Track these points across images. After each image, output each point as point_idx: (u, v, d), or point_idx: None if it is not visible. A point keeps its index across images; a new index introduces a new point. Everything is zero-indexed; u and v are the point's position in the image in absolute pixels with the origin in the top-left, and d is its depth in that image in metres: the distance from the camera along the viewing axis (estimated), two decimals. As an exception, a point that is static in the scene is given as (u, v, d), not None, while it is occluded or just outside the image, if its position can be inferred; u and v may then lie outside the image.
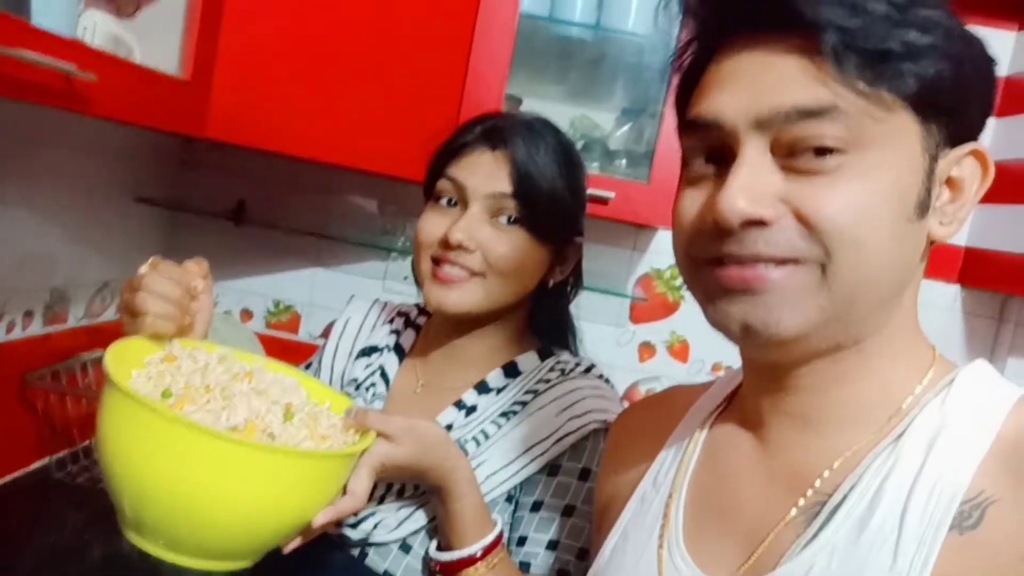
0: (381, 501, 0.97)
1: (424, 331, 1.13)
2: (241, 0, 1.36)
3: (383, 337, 1.14)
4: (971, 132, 0.60)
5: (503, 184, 0.97)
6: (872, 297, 0.57)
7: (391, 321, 1.16)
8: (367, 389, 1.08)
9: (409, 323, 1.15)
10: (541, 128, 1.02)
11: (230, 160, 1.88)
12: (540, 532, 0.93)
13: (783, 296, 0.56)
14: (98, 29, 1.17)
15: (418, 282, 1.02)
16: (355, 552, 0.95)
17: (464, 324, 1.03)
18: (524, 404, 0.99)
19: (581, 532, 0.92)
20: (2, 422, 1.45)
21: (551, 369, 1.03)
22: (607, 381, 1.04)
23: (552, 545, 0.93)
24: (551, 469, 0.94)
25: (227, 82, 1.36)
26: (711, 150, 0.61)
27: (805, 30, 0.55)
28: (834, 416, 0.61)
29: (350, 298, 1.23)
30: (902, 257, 0.57)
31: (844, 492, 0.58)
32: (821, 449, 0.61)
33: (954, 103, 0.57)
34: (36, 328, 1.50)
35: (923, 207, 0.57)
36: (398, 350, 1.12)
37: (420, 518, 0.94)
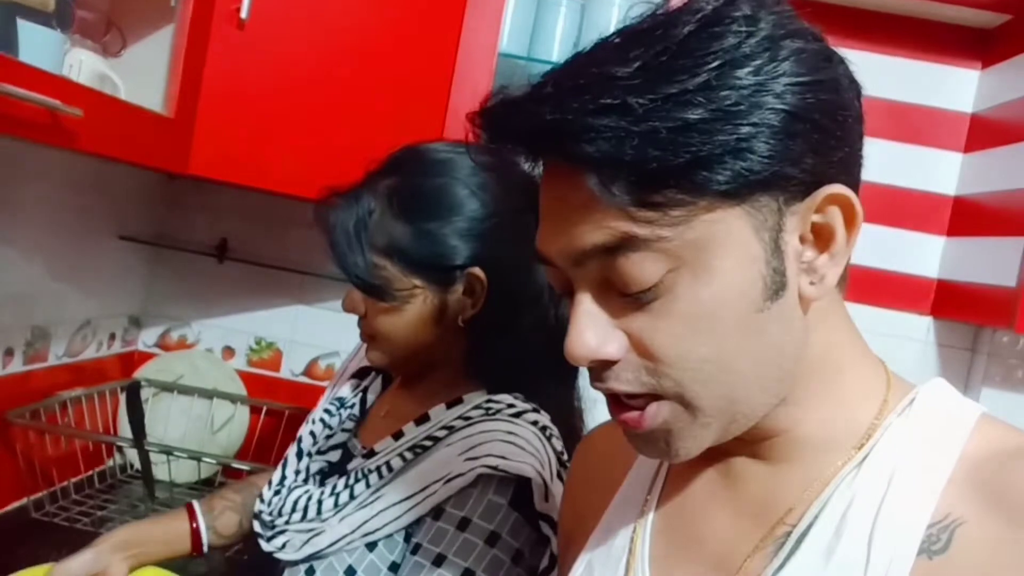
0: (288, 521, 0.99)
1: None
2: (224, 39, 1.39)
3: None
4: (826, 174, 0.53)
5: None
6: (754, 390, 0.55)
7: None
8: (347, 408, 1.12)
9: None
10: (354, 198, 1.00)
11: (213, 197, 1.89)
12: None
13: (666, 432, 0.56)
14: (84, 67, 1.19)
15: None
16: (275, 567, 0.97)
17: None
18: (437, 440, 0.95)
19: None
20: (-19, 461, 1.44)
21: (477, 407, 0.97)
22: (543, 430, 0.95)
23: None
24: (436, 512, 0.89)
25: (210, 119, 1.38)
26: (560, 282, 0.58)
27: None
28: (797, 449, 0.60)
29: None
30: (768, 341, 0.54)
31: (810, 520, 0.57)
32: (786, 478, 0.60)
33: (783, 169, 0.51)
34: (16, 366, 1.49)
35: (775, 287, 0.53)
36: (385, 376, 1.15)
37: (321, 543, 0.93)
